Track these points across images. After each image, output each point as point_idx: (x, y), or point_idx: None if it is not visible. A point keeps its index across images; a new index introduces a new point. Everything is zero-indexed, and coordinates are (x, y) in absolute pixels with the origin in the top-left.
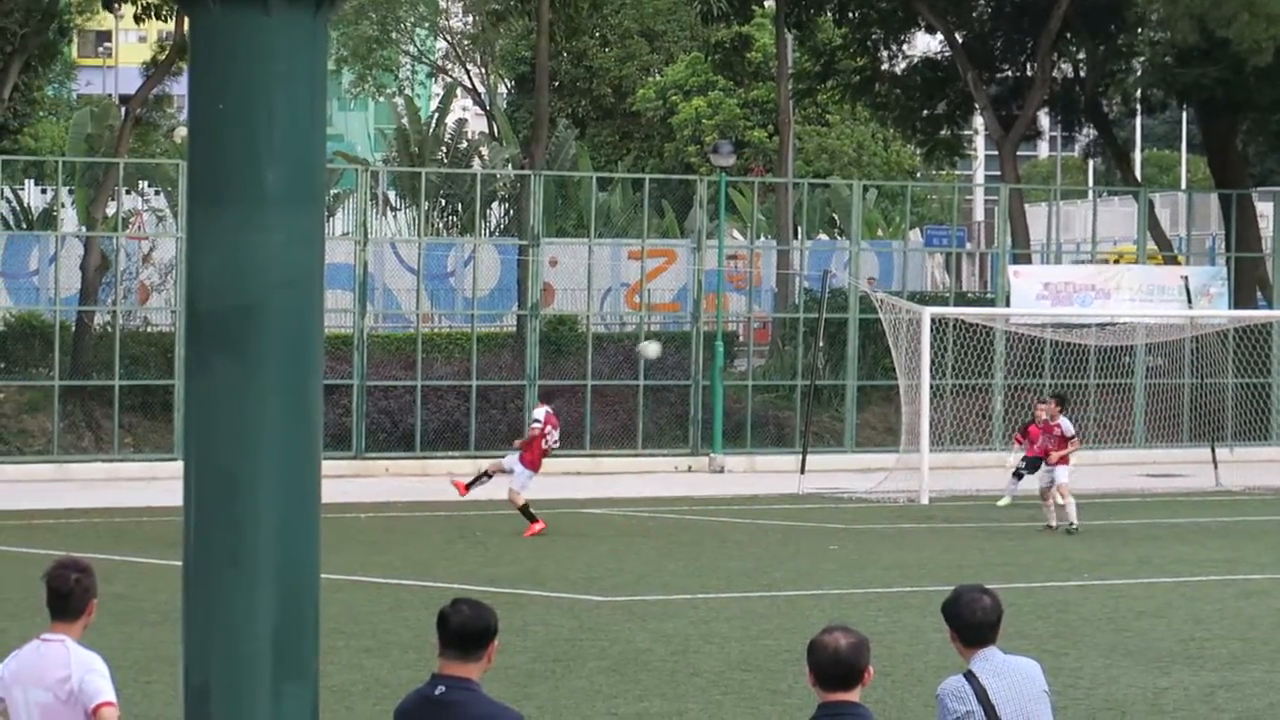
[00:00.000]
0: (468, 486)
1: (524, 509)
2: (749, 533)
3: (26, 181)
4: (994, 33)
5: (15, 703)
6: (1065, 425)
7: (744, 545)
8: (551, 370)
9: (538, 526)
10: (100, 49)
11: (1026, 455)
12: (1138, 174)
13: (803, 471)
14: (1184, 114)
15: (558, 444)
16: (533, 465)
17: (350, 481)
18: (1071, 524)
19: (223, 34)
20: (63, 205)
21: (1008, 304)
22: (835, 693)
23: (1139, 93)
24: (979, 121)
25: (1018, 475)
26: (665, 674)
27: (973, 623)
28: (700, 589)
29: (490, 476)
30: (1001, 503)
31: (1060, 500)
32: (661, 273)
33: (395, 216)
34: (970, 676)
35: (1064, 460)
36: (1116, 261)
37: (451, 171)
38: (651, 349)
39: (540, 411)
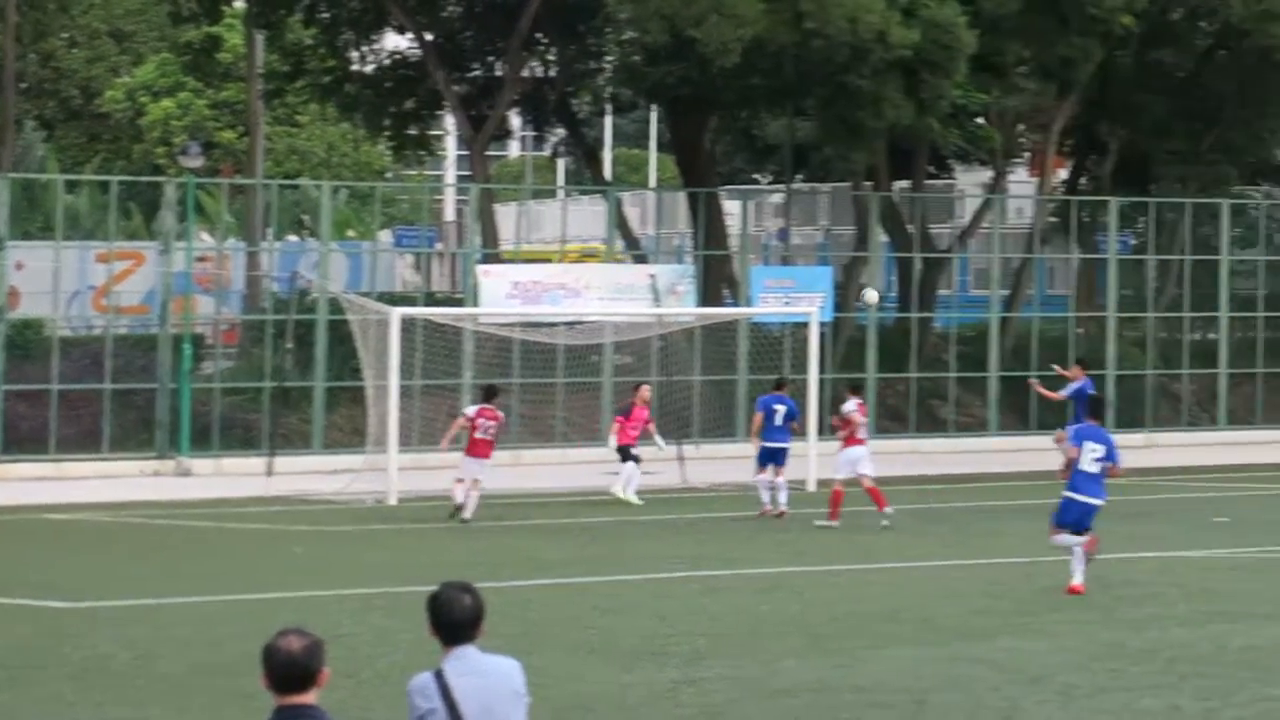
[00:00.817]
0: None
1: None
2: (215, 536)
3: None
4: (464, 32)
5: None
6: None
7: (210, 549)
8: (17, 375)
9: None
10: None
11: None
12: (607, 173)
13: (270, 474)
14: (653, 113)
15: None
16: None
17: None
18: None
19: None
20: None
21: (477, 304)
22: (290, 695)
23: (608, 92)
24: (450, 121)
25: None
26: (128, 679)
27: (450, 621)
28: (165, 593)
29: None
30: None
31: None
32: (129, 275)
33: None
34: (439, 674)
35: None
36: (562, 260)
37: None
38: (871, 295)
39: None
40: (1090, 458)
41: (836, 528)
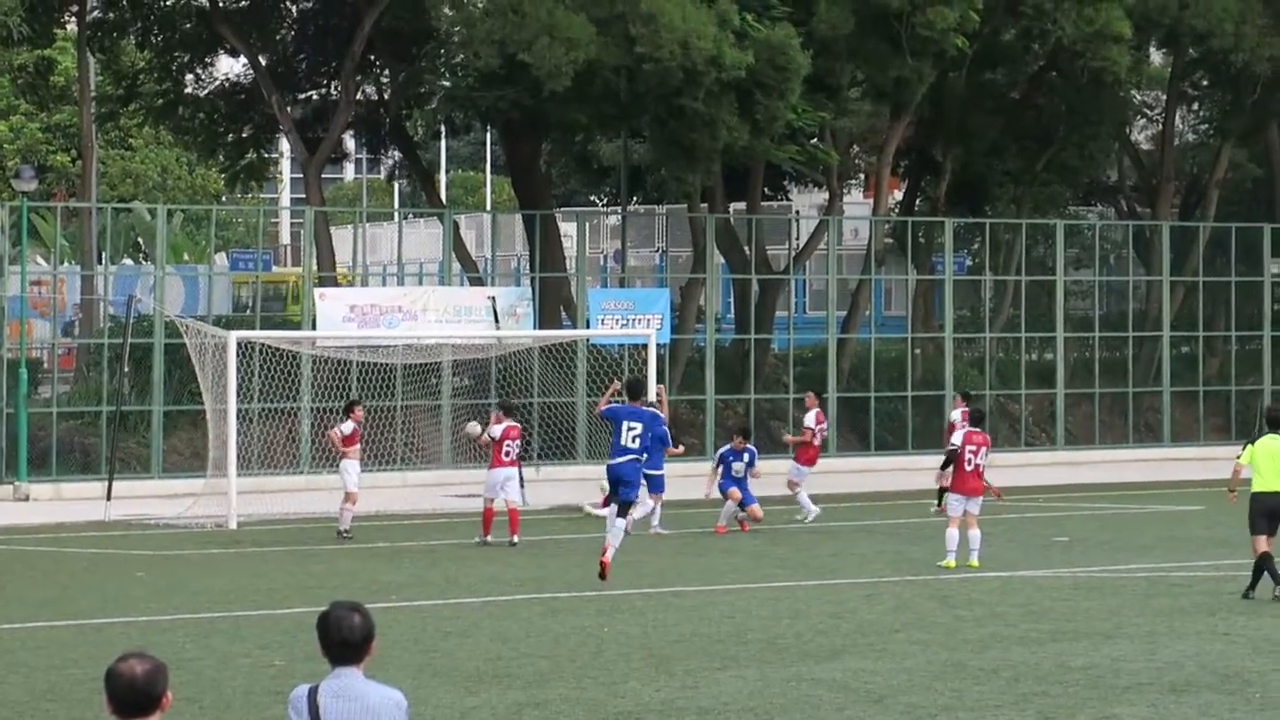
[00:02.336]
0: None
1: None
2: (55, 561)
3: None
4: (298, 55)
5: None
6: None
7: (50, 574)
8: None
9: None
10: None
11: None
12: (443, 195)
13: (109, 498)
14: (487, 136)
15: None
16: None
17: None
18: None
19: None
20: None
21: (314, 327)
22: (134, 719)
23: (442, 115)
24: (285, 144)
25: None
26: None
27: (335, 640)
28: (6, 619)
29: None
30: None
31: None
32: None
33: None
34: (314, 691)
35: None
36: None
37: None
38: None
39: None
40: (630, 435)
41: (489, 542)
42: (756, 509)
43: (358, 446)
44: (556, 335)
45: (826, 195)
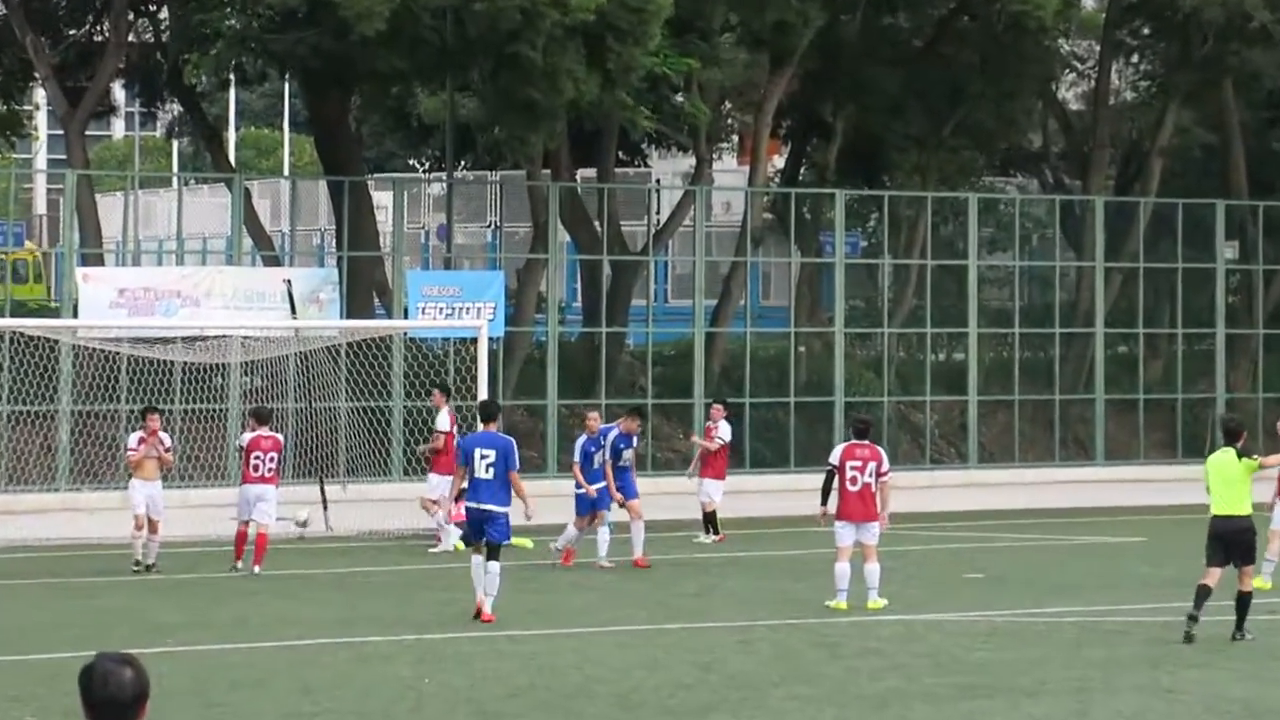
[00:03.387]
0: None
1: None
2: None
3: None
4: None
5: None
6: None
7: None
8: None
9: None
10: None
11: None
12: (232, 157)
13: None
14: (285, 87)
15: None
16: None
17: None
18: None
19: None
20: None
21: (76, 314)
22: None
23: (229, 61)
24: (41, 94)
25: None
26: None
27: (100, 700)
28: None
29: None
30: None
31: None
32: None
33: None
34: None
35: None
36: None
37: None
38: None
39: None
40: (483, 464)
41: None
42: (637, 505)
43: (148, 464)
44: (368, 326)
45: (693, 161)
